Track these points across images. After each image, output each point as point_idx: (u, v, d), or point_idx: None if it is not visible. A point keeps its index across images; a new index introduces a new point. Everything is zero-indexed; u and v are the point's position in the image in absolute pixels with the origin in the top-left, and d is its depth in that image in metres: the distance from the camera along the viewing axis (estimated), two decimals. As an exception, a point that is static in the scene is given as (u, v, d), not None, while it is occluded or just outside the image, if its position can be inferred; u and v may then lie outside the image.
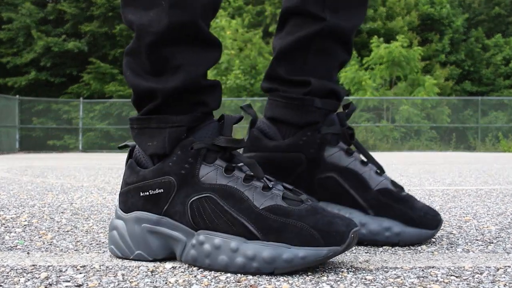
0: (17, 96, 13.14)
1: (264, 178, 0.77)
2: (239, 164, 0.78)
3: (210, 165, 0.77)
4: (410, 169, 3.89)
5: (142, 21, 0.77)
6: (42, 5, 17.95)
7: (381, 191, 0.92)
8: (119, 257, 0.82)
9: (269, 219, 0.72)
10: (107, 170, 3.91)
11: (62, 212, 1.39)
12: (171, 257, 0.79)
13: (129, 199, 0.82)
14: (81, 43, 16.85)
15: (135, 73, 0.80)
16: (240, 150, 0.94)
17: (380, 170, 0.96)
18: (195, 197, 0.76)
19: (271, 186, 0.76)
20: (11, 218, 1.28)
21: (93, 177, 2.99)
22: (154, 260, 0.80)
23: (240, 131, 11.84)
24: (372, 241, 0.90)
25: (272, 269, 0.70)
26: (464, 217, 1.29)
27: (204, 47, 0.79)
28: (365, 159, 0.97)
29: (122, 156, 8.90)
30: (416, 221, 0.89)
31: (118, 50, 16.96)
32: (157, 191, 0.78)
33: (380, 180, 0.93)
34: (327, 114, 0.97)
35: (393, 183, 0.95)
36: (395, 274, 0.71)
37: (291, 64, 0.98)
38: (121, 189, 0.85)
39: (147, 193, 0.79)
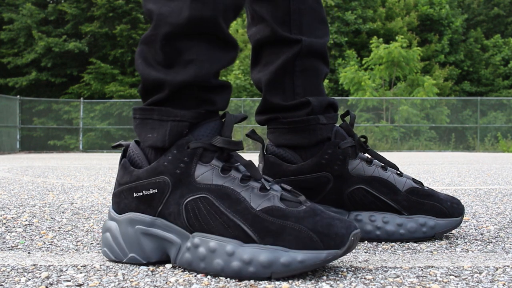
0: (18, 96, 13.15)
1: (262, 179, 0.75)
2: (236, 164, 0.76)
3: (206, 165, 0.74)
4: (410, 169, 3.89)
5: (162, 11, 0.76)
6: (42, 5, 17.95)
7: (409, 191, 0.96)
8: (113, 261, 0.80)
9: (267, 221, 0.70)
10: (107, 170, 3.91)
11: (62, 212, 1.39)
12: (166, 261, 0.78)
13: (122, 200, 0.79)
14: (81, 44, 16.85)
15: (147, 62, 0.78)
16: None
17: (398, 171, 0.99)
18: (190, 198, 0.73)
19: (268, 187, 0.74)
20: (12, 217, 1.29)
21: (94, 177, 2.99)
22: (147, 264, 0.77)
23: (240, 131, 11.84)
24: (411, 238, 0.94)
25: (269, 274, 0.68)
26: (463, 217, 1.29)
27: (221, 46, 0.78)
28: (382, 164, 0.99)
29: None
30: (446, 212, 0.95)
31: (119, 50, 16.96)
32: (151, 191, 0.76)
33: (404, 181, 0.97)
34: (332, 127, 0.99)
35: (414, 180, 0.99)
36: (394, 273, 0.72)
37: (283, 91, 1.00)
38: (114, 189, 0.82)
39: (141, 194, 0.77)
